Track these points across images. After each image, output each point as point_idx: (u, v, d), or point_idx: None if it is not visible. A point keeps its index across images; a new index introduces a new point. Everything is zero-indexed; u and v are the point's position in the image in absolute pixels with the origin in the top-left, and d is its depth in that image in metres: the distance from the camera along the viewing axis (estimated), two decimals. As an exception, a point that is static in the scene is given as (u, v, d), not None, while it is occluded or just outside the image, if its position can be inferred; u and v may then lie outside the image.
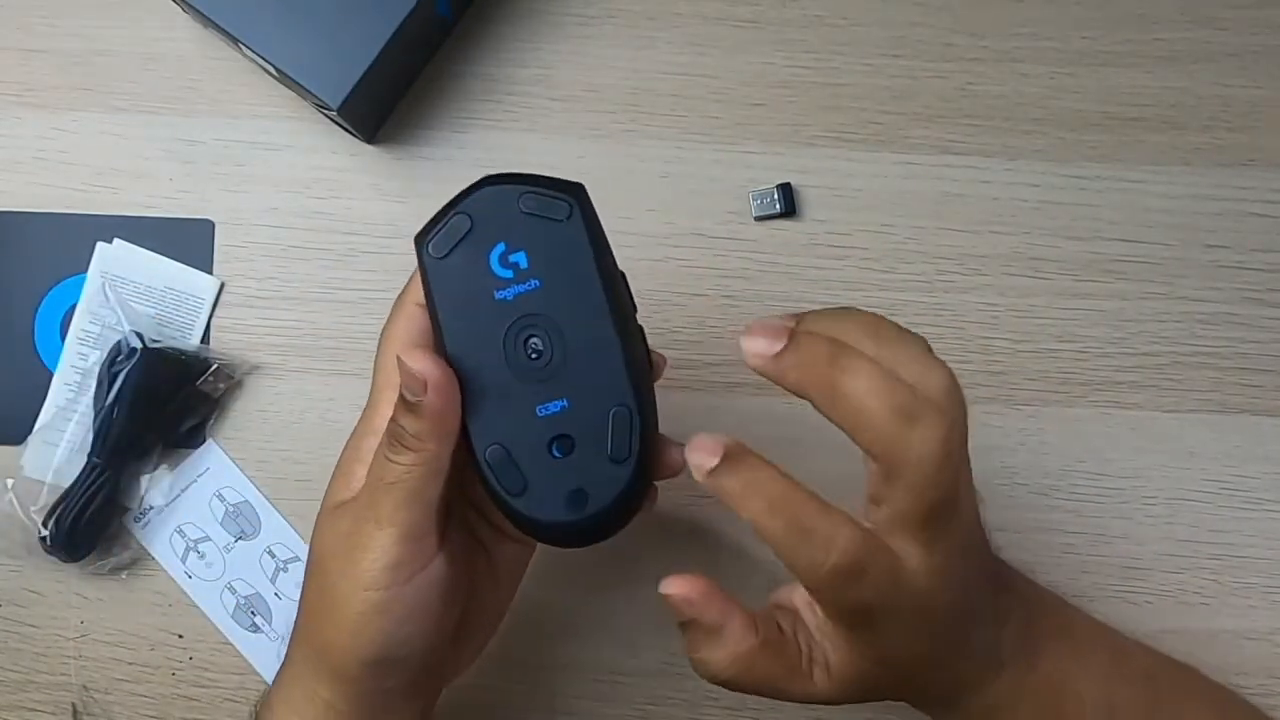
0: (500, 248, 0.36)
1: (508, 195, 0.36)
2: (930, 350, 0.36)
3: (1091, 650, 0.43)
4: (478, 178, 0.38)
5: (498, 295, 0.36)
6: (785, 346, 0.34)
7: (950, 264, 0.57)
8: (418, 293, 0.39)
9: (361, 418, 0.41)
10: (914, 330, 0.37)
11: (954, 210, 0.57)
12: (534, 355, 0.36)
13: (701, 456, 0.34)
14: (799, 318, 0.35)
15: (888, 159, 0.57)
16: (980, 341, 0.56)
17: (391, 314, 0.40)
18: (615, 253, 0.38)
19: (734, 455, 0.33)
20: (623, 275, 0.38)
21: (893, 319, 0.37)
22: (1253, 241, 0.57)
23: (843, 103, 0.58)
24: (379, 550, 0.37)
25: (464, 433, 0.37)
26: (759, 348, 0.34)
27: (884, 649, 0.37)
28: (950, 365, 0.36)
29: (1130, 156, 0.57)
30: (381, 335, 0.40)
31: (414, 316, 0.39)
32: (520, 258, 0.36)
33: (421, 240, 0.37)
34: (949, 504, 0.34)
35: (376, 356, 0.40)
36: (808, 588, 0.35)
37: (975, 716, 0.40)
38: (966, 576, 0.37)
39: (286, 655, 0.42)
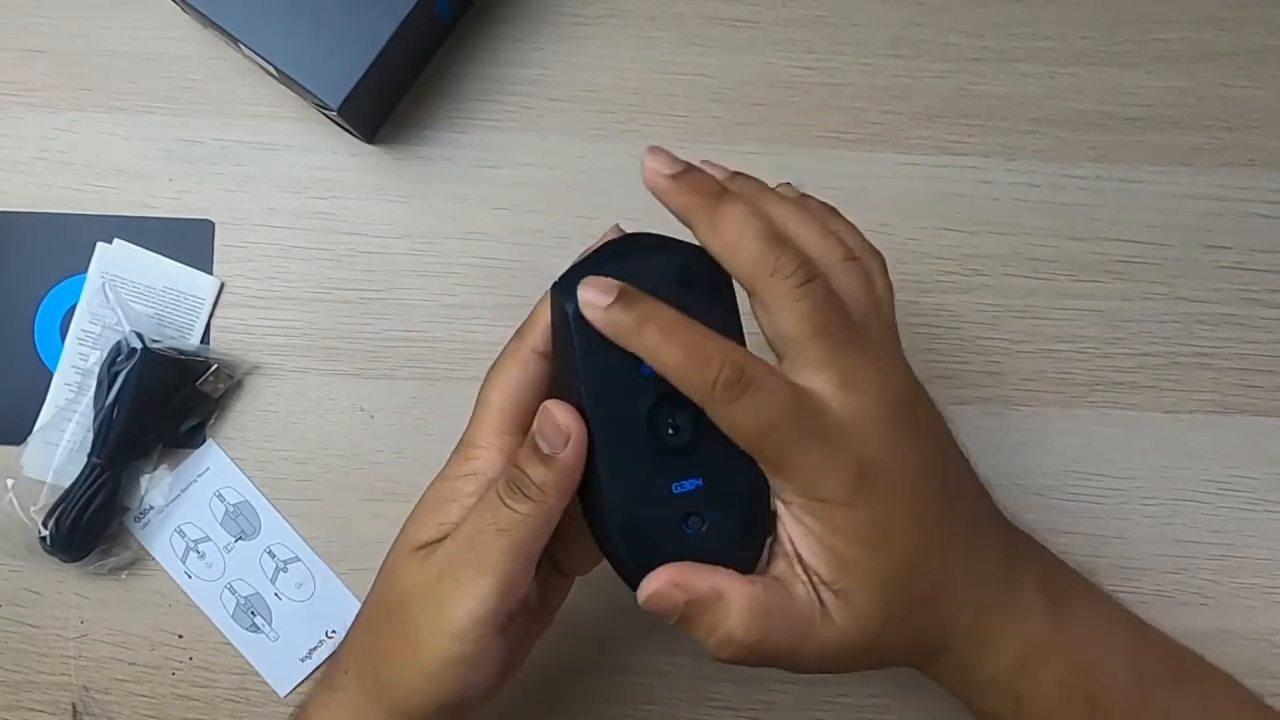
0: None
1: (661, 264, 0.36)
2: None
3: (1117, 619, 0.42)
4: (612, 230, 0.39)
5: (644, 370, 0.35)
6: (682, 170, 0.35)
7: (950, 264, 0.57)
8: (537, 339, 0.38)
9: (456, 458, 0.40)
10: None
11: (954, 210, 0.57)
12: (672, 432, 0.36)
13: (595, 294, 0.34)
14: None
15: (888, 159, 0.57)
16: (979, 342, 0.56)
17: (504, 356, 0.39)
18: None
19: (628, 292, 0.34)
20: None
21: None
22: (1253, 241, 0.57)
23: (843, 103, 0.58)
24: (476, 600, 0.36)
25: (590, 499, 0.37)
26: (659, 165, 0.35)
27: (859, 517, 0.35)
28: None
29: (1130, 156, 0.57)
30: (490, 374, 0.39)
31: (530, 364, 0.39)
32: None
33: (566, 297, 0.36)
34: (836, 316, 0.35)
35: (481, 394, 0.39)
36: (711, 414, 0.34)
37: (1006, 668, 0.38)
38: (923, 442, 0.36)
39: (332, 679, 0.41)
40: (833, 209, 0.39)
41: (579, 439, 0.36)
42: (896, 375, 0.36)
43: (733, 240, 0.35)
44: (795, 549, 0.36)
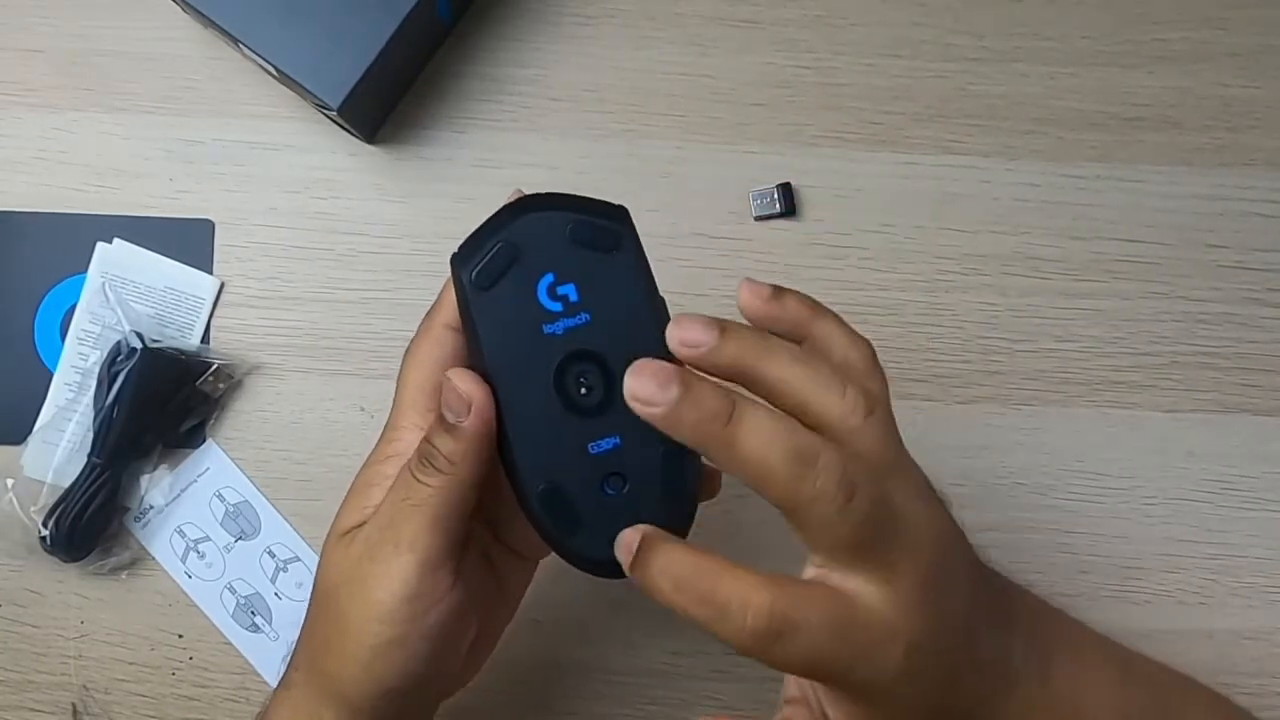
0: (548, 279, 0.35)
1: (555, 223, 0.35)
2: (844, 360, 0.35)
3: (1100, 660, 0.42)
4: (513, 195, 0.37)
5: (546, 329, 0.35)
6: (682, 391, 0.31)
7: (950, 264, 0.57)
8: (447, 315, 0.38)
9: (380, 441, 0.39)
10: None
11: (954, 210, 0.57)
12: (584, 391, 0.35)
13: (623, 554, 0.33)
14: (721, 326, 0.33)
15: (888, 159, 0.57)
16: (980, 341, 0.56)
17: (418, 336, 0.39)
18: None
19: (645, 545, 0.33)
20: (663, 302, 0.37)
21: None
22: (1253, 241, 0.57)
23: (843, 103, 0.58)
24: (398, 581, 0.36)
25: (508, 467, 0.36)
26: (650, 393, 0.31)
27: (889, 703, 0.34)
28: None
29: (1130, 156, 0.57)
30: (406, 357, 0.39)
31: (443, 340, 0.38)
32: (569, 290, 0.35)
33: (461, 265, 0.36)
34: (876, 526, 0.32)
35: (400, 377, 0.39)
36: (750, 656, 0.32)
37: None
38: (949, 585, 0.35)
39: (286, 679, 0.41)
40: (815, 304, 0.36)
41: (481, 405, 0.35)
42: (925, 525, 0.34)
43: (759, 470, 0.31)
44: (820, 704, 0.36)
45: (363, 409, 0.56)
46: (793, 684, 0.38)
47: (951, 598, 0.35)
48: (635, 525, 0.33)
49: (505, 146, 0.58)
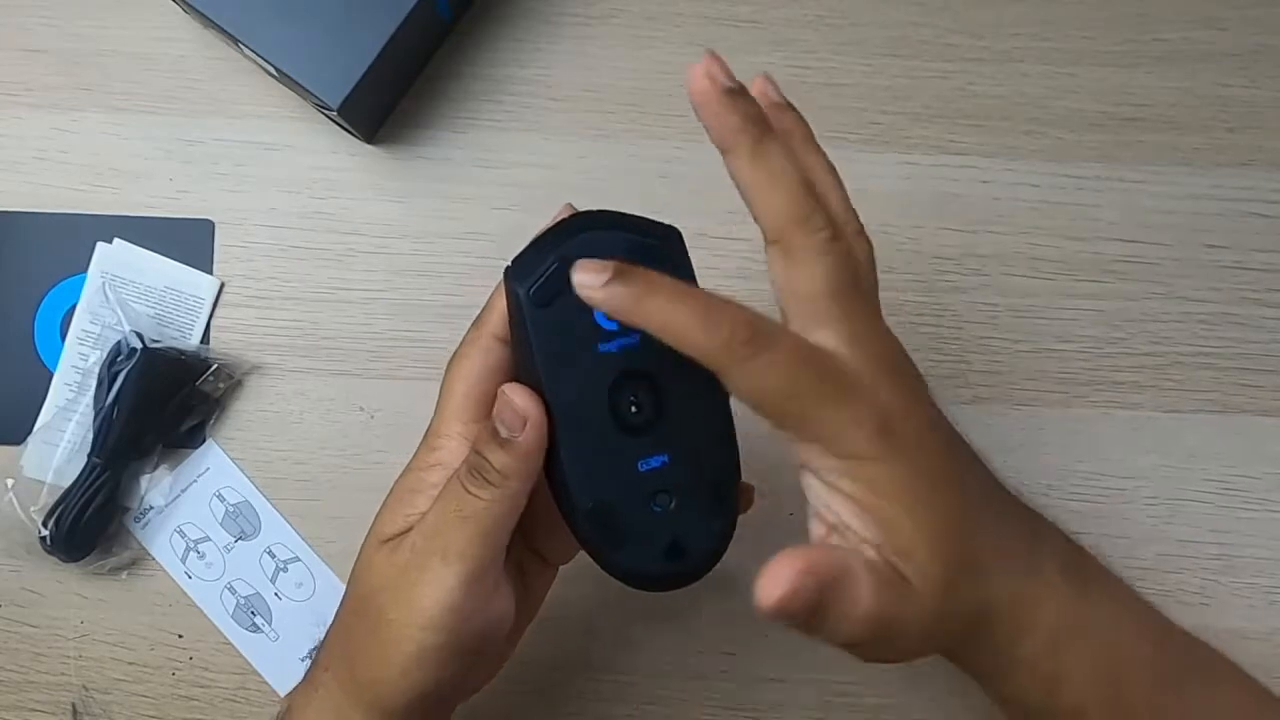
0: None
1: (611, 242, 0.36)
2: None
3: (1132, 596, 0.41)
4: (567, 211, 0.38)
5: (601, 348, 0.36)
6: (738, 88, 0.34)
7: (950, 264, 0.57)
8: (496, 325, 0.38)
9: (421, 449, 0.40)
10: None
11: (954, 210, 0.57)
12: (635, 410, 0.36)
13: (589, 276, 0.33)
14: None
15: (888, 159, 0.57)
16: (979, 341, 0.56)
17: (464, 345, 0.39)
18: None
19: (623, 269, 0.33)
20: None
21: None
22: (1253, 241, 0.57)
23: (843, 103, 0.58)
24: (443, 589, 0.36)
25: (556, 482, 0.37)
26: (715, 73, 0.33)
27: (893, 472, 0.34)
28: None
29: (1130, 156, 0.57)
30: (451, 365, 0.39)
31: (490, 350, 0.38)
32: None
33: (518, 280, 0.36)
34: (850, 278, 0.34)
35: (445, 385, 0.39)
36: (727, 380, 0.33)
37: (1040, 647, 0.37)
38: (918, 386, 0.35)
39: (312, 678, 0.41)
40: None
41: (537, 421, 0.35)
42: (895, 342, 0.36)
43: (769, 180, 0.34)
44: (840, 518, 0.34)
45: (362, 409, 0.56)
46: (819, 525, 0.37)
47: (928, 410, 0.36)
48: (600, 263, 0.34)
49: (505, 146, 0.58)
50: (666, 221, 0.39)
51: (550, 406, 0.36)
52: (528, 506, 0.38)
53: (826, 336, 0.34)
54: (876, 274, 0.37)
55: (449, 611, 0.36)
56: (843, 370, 0.33)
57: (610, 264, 0.33)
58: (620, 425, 0.36)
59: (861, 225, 0.37)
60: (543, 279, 0.36)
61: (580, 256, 0.34)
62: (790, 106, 0.36)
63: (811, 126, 0.37)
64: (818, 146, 0.37)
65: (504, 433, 0.35)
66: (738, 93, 0.33)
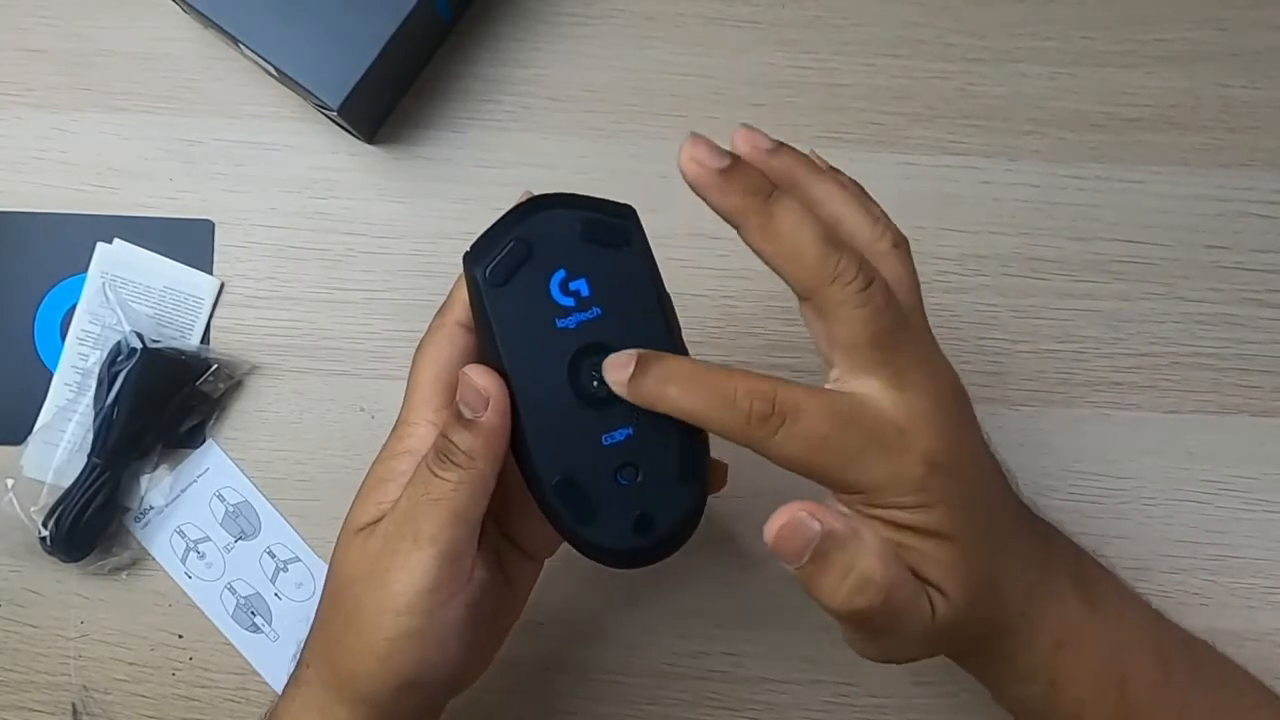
0: (561, 275, 0.36)
1: (566, 220, 0.36)
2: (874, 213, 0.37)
3: (1138, 603, 0.42)
4: (523, 196, 0.37)
5: (559, 324, 0.36)
6: (730, 165, 0.33)
7: (950, 264, 0.57)
8: (458, 312, 0.38)
9: (391, 438, 0.40)
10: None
11: (954, 210, 0.57)
12: (596, 384, 0.36)
13: (618, 373, 0.34)
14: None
15: (888, 159, 0.57)
16: (979, 342, 0.56)
17: (429, 334, 0.39)
18: None
19: (644, 358, 0.34)
20: (669, 297, 0.38)
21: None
22: (1253, 242, 0.57)
23: (843, 103, 0.58)
24: (417, 572, 0.36)
25: (523, 460, 0.37)
26: (703, 156, 0.33)
27: (931, 516, 0.34)
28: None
29: (1130, 156, 0.57)
30: (417, 354, 0.40)
31: (455, 337, 0.39)
32: (581, 285, 0.36)
33: (474, 262, 0.36)
34: (892, 323, 0.34)
35: (412, 374, 0.40)
36: (760, 452, 0.33)
37: (1045, 652, 0.38)
38: (967, 424, 0.35)
39: (297, 675, 0.41)
40: (862, 187, 0.38)
41: (499, 400, 0.35)
42: (942, 368, 0.36)
43: (790, 249, 0.33)
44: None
45: (362, 409, 0.56)
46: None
47: (970, 439, 0.36)
48: (625, 352, 0.35)
49: (505, 146, 0.58)
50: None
51: (512, 385, 0.36)
52: (499, 493, 0.38)
53: (869, 385, 0.34)
54: (917, 278, 0.36)
55: (424, 594, 0.36)
56: (882, 421, 0.34)
57: (633, 356, 0.34)
58: (582, 399, 0.36)
59: (897, 232, 0.36)
60: (498, 258, 0.36)
61: (536, 236, 0.35)
62: (782, 146, 0.36)
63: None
64: (825, 170, 0.37)
65: (467, 414, 0.36)
66: (730, 169, 0.33)
